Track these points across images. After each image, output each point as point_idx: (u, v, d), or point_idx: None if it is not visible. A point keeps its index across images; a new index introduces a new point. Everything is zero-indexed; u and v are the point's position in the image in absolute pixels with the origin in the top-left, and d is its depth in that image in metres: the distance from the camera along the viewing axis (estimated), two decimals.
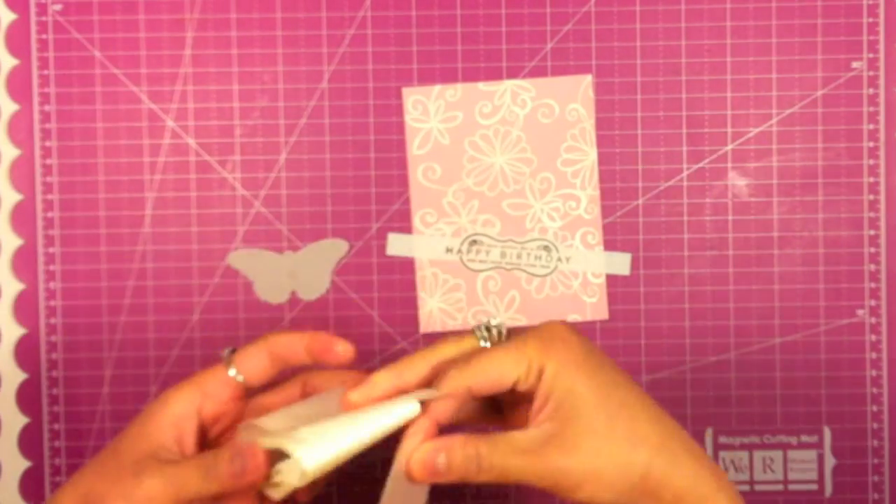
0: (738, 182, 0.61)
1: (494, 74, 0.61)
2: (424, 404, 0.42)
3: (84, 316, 0.61)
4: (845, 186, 0.61)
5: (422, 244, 0.61)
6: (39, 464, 0.61)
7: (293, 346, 0.45)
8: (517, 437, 0.40)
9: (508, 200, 0.61)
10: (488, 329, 0.44)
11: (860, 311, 0.61)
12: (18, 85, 0.61)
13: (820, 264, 0.61)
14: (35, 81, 0.61)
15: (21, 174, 0.61)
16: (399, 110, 0.61)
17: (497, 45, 0.61)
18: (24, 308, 0.61)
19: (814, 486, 0.61)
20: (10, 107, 0.61)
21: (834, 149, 0.61)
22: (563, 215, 0.61)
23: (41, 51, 0.61)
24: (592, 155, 0.61)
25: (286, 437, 0.41)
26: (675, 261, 0.61)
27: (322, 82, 0.61)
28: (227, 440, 0.46)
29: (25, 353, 0.61)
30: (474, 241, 0.61)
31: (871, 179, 0.61)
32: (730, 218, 0.61)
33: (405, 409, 0.42)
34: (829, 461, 0.61)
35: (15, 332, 0.61)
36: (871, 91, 0.61)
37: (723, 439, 0.62)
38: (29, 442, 0.61)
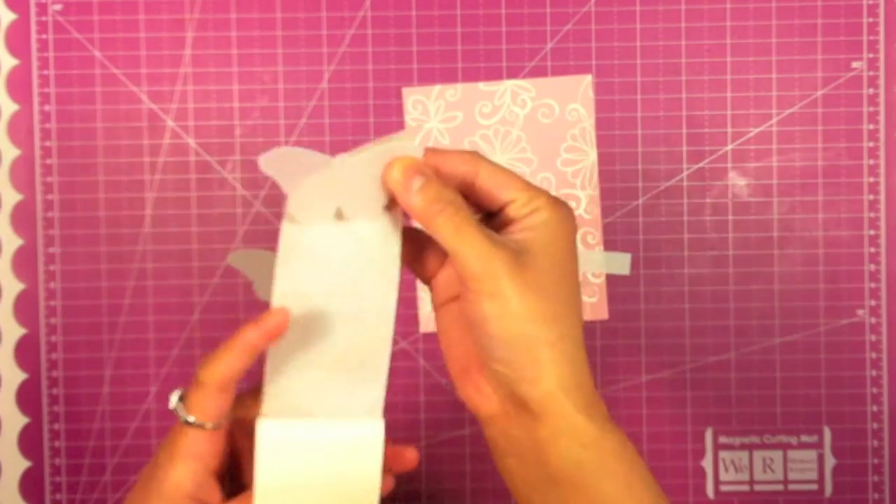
0: (738, 182, 0.61)
1: (494, 74, 0.61)
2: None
3: (84, 316, 0.61)
4: (845, 186, 0.61)
5: None
6: (39, 464, 0.61)
7: (251, 339, 0.41)
8: (488, 229, 0.39)
9: None
10: None
11: (860, 311, 0.61)
12: (18, 85, 0.61)
13: (820, 264, 0.61)
14: (35, 81, 0.61)
15: (21, 174, 0.61)
16: (399, 110, 0.61)
17: (497, 45, 0.61)
18: (24, 308, 0.61)
19: (814, 486, 0.61)
20: (10, 107, 0.61)
21: (834, 149, 0.61)
22: None
23: (41, 51, 0.61)
24: (592, 155, 0.61)
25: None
26: (675, 261, 0.61)
27: (322, 82, 0.61)
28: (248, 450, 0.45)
29: (25, 353, 0.61)
30: None
31: (871, 179, 0.61)
32: (730, 218, 0.61)
33: (370, 428, 0.41)
34: (829, 461, 0.61)
35: (15, 332, 0.61)
36: (871, 91, 0.61)
37: (723, 439, 0.62)
38: (29, 442, 0.61)
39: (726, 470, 0.61)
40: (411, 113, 0.61)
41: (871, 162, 0.61)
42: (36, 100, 0.61)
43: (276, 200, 0.61)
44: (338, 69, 0.61)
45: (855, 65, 0.61)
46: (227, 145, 0.61)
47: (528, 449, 0.40)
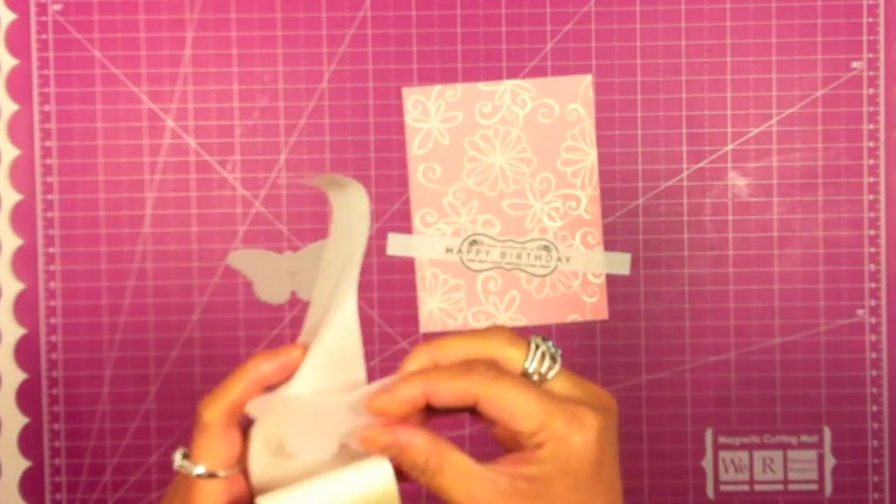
0: (738, 182, 0.61)
1: (494, 74, 0.61)
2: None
3: (84, 316, 0.61)
4: (845, 186, 0.61)
5: (422, 244, 0.61)
6: (39, 464, 0.61)
7: (263, 370, 0.38)
8: (479, 470, 0.37)
9: (508, 200, 0.61)
10: (543, 353, 0.38)
11: (860, 311, 0.61)
12: (18, 85, 0.61)
13: (820, 264, 0.61)
14: (35, 81, 0.61)
15: (21, 174, 0.61)
16: (399, 110, 0.61)
17: (497, 45, 0.61)
18: (24, 308, 0.61)
19: (814, 486, 0.61)
20: (10, 107, 0.61)
21: (834, 149, 0.61)
22: (563, 215, 0.61)
23: (41, 51, 0.61)
24: (592, 155, 0.61)
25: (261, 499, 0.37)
26: (675, 261, 0.61)
27: (322, 82, 0.61)
28: None
29: (25, 353, 0.61)
30: (474, 242, 0.61)
31: (871, 179, 0.61)
32: (730, 218, 0.61)
33: (377, 473, 0.37)
34: (829, 461, 0.61)
35: (15, 332, 0.61)
36: (871, 91, 0.61)
37: (723, 439, 0.62)
38: (29, 442, 0.61)
39: (726, 470, 0.61)
40: (411, 113, 0.61)
41: (871, 162, 0.61)
42: (36, 100, 0.61)
43: (276, 200, 0.61)
44: (338, 69, 0.61)
45: (855, 65, 0.61)
46: (227, 145, 0.61)
47: None
